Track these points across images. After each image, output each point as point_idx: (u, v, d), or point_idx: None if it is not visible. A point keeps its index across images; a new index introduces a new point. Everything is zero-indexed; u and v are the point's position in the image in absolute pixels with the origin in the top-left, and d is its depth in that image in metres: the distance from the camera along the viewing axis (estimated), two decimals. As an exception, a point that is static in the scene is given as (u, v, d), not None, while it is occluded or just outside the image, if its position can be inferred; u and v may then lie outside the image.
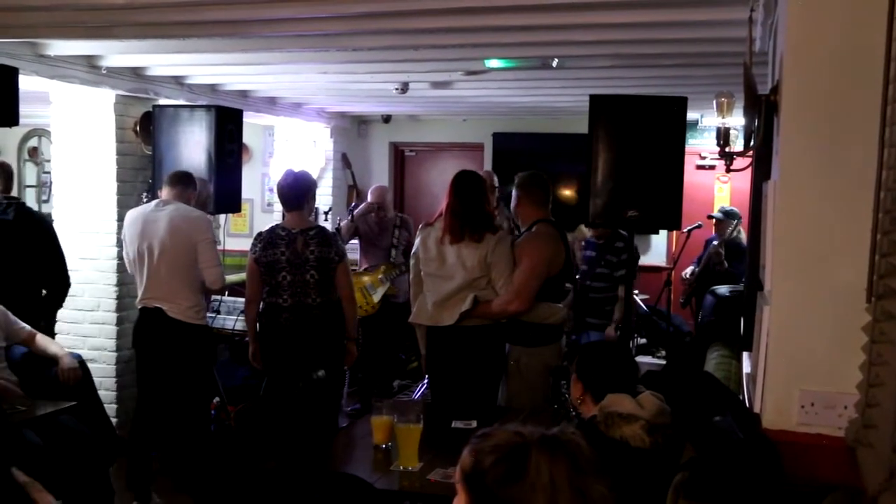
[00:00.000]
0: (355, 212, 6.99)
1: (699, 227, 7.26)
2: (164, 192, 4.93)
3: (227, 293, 6.49)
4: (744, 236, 7.37)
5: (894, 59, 2.05)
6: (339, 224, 7.26)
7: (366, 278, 6.77)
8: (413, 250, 4.60)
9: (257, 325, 4.88)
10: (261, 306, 4.85)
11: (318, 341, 4.75)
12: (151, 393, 4.88)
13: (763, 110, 2.79)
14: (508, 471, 1.48)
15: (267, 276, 4.74)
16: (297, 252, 4.70)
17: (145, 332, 4.86)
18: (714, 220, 7.21)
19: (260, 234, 4.86)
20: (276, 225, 4.86)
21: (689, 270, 7.37)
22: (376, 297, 6.76)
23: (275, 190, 5.00)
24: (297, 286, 4.71)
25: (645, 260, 8.55)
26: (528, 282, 4.29)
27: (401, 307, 6.33)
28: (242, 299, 6.12)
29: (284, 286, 4.71)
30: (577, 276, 6.05)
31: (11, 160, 10.53)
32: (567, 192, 8.71)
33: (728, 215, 7.18)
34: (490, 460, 1.50)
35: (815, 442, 2.42)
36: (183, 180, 4.98)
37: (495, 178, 5.83)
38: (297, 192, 4.82)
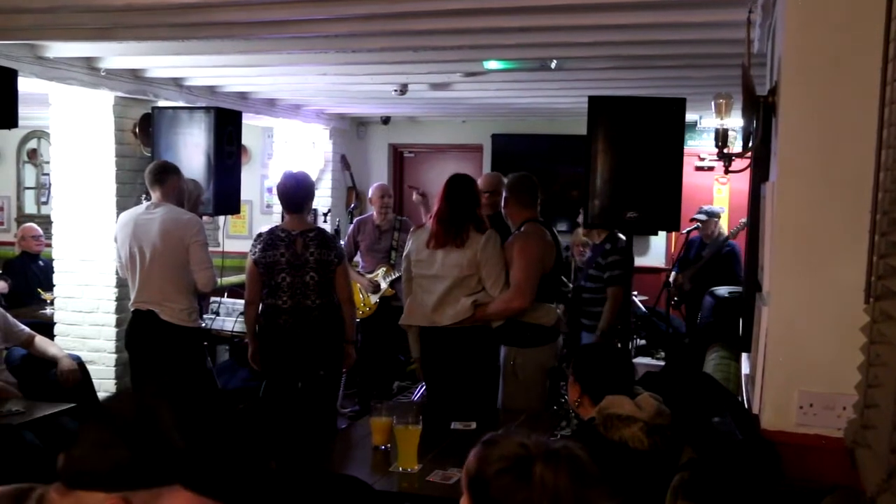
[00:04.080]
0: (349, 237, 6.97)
1: (697, 228, 7.27)
2: (154, 194, 4.86)
3: (226, 295, 6.49)
4: (724, 231, 7.46)
5: (892, 61, 2.06)
6: (338, 226, 7.26)
7: (365, 279, 6.78)
8: (405, 251, 4.63)
9: (256, 326, 4.88)
10: (259, 308, 4.85)
11: (316, 343, 4.75)
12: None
13: (761, 112, 2.79)
14: (512, 482, 1.52)
15: (266, 277, 4.73)
16: (296, 253, 4.69)
17: (138, 334, 4.83)
18: (698, 223, 7.25)
19: (259, 234, 4.85)
20: (276, 226, 4.85)
21: (671, 277, 7.35)
22: (373, 298, 6.78)
23: (274, 191, 4.98)
24: (296, 288, 4.70)
25: (644, 261, 8.56)
26: (528, 277, 4.32)
27: (400, 309, 6.32)
28: (242, 301, 6.12)
29: (284, 287, 4.71)
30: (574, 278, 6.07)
31: (11, 162, 10.58)
32: (566, 194, 8.70)
33: (710, 215, 7.26)
34: (494, 469, 1.54)
35: (813, 443, 2.42)
36: (163, 176, 4.88)
37: (503, 181, 5.82)
38: (300, 194, 4.81)
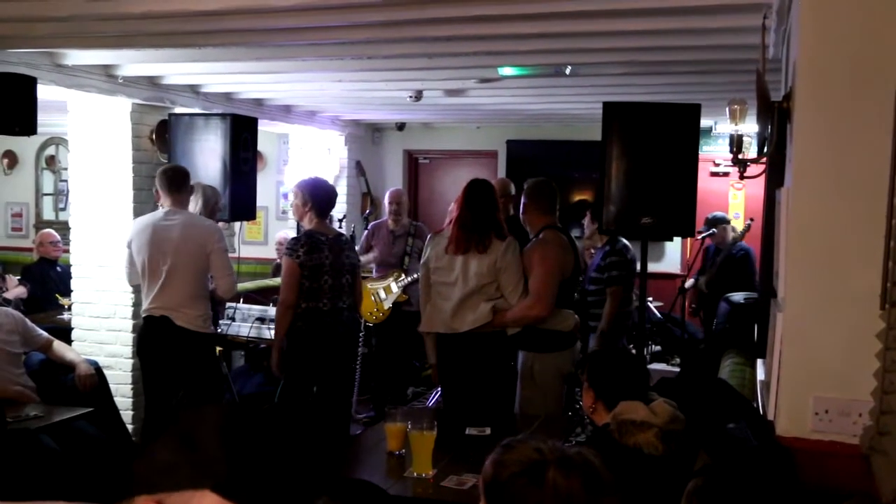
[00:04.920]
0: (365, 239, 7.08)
1: (712, 234, 7.25)
2: (168, 200, 4.86)
3: (242, 300, 6.52)
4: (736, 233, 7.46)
5: (907, 66, 2.06)
6: (353, 231, 7.29)
7: (377, 284, 6.80)
8: (423, 258, 4.63)
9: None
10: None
11: (347, 344, 4.84)
12: (160, 401, 4.87)
13: (776, 117, 2.79)
14: (525, 485, 1.53)
15: (308, 280, 4.75)
16: (337, 257, 4.80)
17: (152, 340, 4.83)
18: (711, 234, 7.25)
19: (297, 238, 4.87)
20: (313, 230, 4.87)
21: (690, 284, 7.34)
22: (387, 304, 6.79)
23: (290, 197, 5.05)
24: (335, 290, 4.81)
25: (659, 267, 8.54)
26: (547, 286, 4.31)
27: (414, 315, 6.33)
28: (258, 307, 6.14)
29: (325, 290, 4.78)
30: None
31: (29, 168, 10.67)
32: (581, 200, 8.70)
33: (715, 223, 7.26)
34: (509, 473, 1.56)
35: (829, 449, 2.41)
36: (187, 183, 4.96)
37: (512, 187, 5.85)
38: (333, 199, 5.06)
